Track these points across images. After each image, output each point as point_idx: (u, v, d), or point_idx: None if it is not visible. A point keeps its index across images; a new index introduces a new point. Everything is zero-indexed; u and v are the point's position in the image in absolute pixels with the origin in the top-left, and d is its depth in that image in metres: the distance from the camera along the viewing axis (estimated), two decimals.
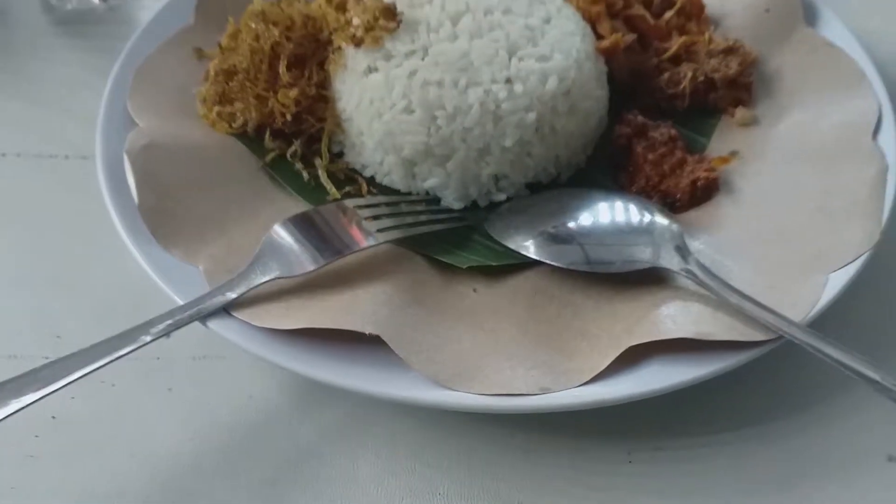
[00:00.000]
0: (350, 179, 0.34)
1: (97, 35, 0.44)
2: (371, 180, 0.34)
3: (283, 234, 0.29)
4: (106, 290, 0.32)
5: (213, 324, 0.27)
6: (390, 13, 0.33)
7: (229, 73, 0.35)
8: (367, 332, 0.26)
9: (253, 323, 0.27)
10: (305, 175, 0.34)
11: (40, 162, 0.37)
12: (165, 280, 0.28)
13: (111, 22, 0.45)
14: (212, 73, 0.36)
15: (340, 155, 0.35)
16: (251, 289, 0.28)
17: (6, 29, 0.44)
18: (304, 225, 0.30)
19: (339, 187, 0.34)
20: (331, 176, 0.34)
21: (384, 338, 0.26)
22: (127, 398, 0.29)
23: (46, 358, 0.27)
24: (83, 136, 0.37)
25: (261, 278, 0.28)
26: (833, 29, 0.39)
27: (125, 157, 0.31)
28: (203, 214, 0.31)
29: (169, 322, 0.26)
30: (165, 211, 0.30)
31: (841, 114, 0.34)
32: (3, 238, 0.35)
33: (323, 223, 0.30)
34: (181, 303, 0.27)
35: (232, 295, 0.27)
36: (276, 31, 0.34)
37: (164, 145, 0.32)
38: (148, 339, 0.26)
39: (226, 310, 0.27)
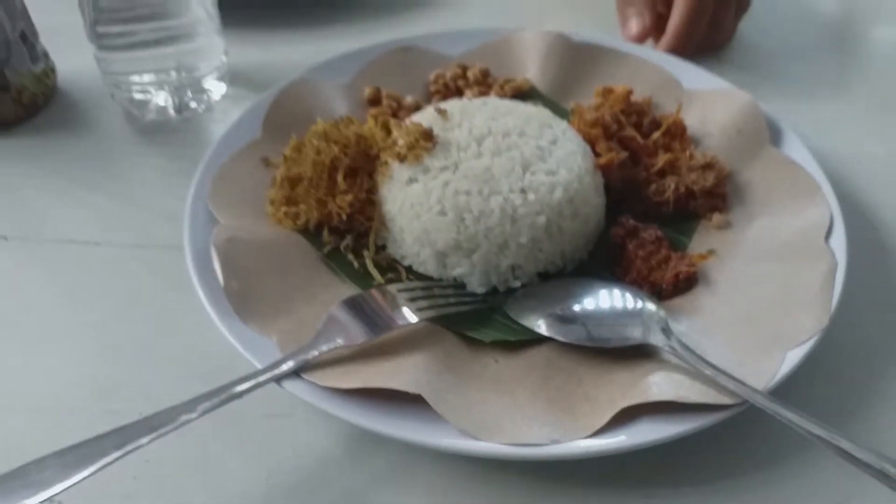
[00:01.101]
0: (392, 268, 0.41)
1: (174, 143, 0.51)
2: (409, 269, 0.41)
3: (340, 313, 0.36)
4: (191, 356, 0.37)
5: (287, 384, 0.33)
6: (428, 135, 0.41)
7: (294, 180, 0.42)
8: (410, 392, 0.32)
9: (319, 383, 0.33)
10: (356, 264, 0.40)
11: (133, 251, 0.43)
12: (246, 349, 0.34)
13: (185, 131, 0.52)
14: (278, 179, 0.43)
15: (384, 248, 0.42)
16: (316, 356, 0.34)
17: (97, 137, 0.52)
18: (356, 305, 0.36)
19: (382, 274, 0.40)
20: (376, 265, 0.40)
21: (425, 396, 0.32)
22: (208, 447, 0.34)
23: (140, 413, 0.32)
24: (168, 230, 0.43)
25: (324, 347, 0.34)
26: (794, 148, 0.45)
27: (212, 249, 0.38)
28: (275, 296, 0.37)
29: (251, 383, 0.32)
30: (245, 293, 0.37)
31: (799, 220, 0.41)
32: (103, 312, 0.40)
33: (371, 304, 0.37)
34: (260, 367, 0.34)
35: (299, 360, 0.34)
36: (335, 149, 0.41)
37: (242, 239, 0.39)
38: (233, 396, 0.32)
39: (296, 373, 0.33)
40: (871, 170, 0.49)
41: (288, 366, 0.33)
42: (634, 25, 0.57)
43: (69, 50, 0.54)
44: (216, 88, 0.53)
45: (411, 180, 0.40)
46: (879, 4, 0.67)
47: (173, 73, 0.51)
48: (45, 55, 0.54)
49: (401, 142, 0.41)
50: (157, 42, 0.49)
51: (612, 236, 0.40)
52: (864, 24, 0.64)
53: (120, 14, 0.47)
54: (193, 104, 0.53)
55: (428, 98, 0.52)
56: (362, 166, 0.42)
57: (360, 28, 0.62)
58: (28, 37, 0.52)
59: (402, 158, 0.40)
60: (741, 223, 0.42)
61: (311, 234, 0.41)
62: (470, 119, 0.42)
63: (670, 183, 0.42)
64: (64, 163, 0.50)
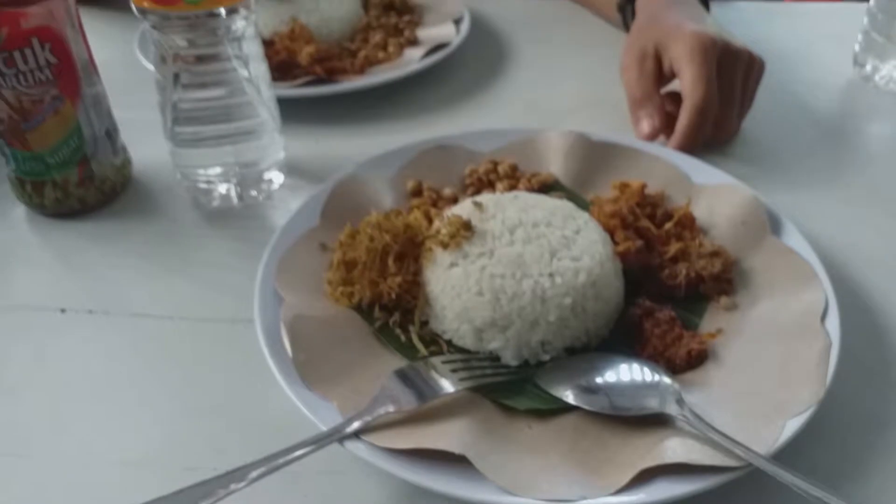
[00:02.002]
0: (434, 341, 0.46)
1: (237, 227, 0.57)
2: (449, 342, 0.45)
3: (392, 382, 0.41)
4: (260, 418, 0.42)
5: (348, 444, 0.38)
6: (467, 226, 0.47)
7: (349, 264, 0.48)
8: (456, 452, 0.37)
9: (375, 444, 0.38)
10: (403, 338, 0.46)
11: (205, 324, 0.49)
12: (311, 412, 0.39)
13: (247, 217, 0.58)
14: (335, 262, 0.49)
15: (426, 323, 0.47)
16: (372, 420, 0.39)
17: (168, 221, 0.58)
18: (406, 376, 0.41)
19: (426, 347, 0.45)
20: (420, 339, 0.45)
21: (468, 456, 0.37)
22: (273, 500, 0.39)
23: (215, 469, 0.37)
24: (236, 306, 0.49)
25: (378, 412, 0.39)
26: (792, 237, 0.50)
27: (282, 325, 0.43)
28: (334, 365, 0.42)
29: (315, 444, 0.38)
30: (309, 363, 0.42)
31: (798, 303, 0.45)
32: (180, 378, 0.45)
33: (419, 374, 0.42)
34: (324, 429, 0.39)
35: (359, 424, 0.38)
36: (387, 237, 0.47)
37: (306, 316, 0.44)
38: (301, 455, 0.37)
39: (356, 434, 0.38)
40: (864, 256, 0.54)
41: (350, 428, 0.38)
42: (646, 126, 0.63)
43: (141, 142, 0.62)
44: (275, 178, 0.60)
45: (452, 265, 0.45)
46: (871, 103, 0.73)
47: (237, 168, 0.58)
48: (124, 149, 0.61)
49: (444, 231, 0.47)
50: (225, 140, 0.56)
51: (631, 316, 0.45)
52: (856, 121, 0.70)
53: (196, 116, 0.54)
54: (254, 193, 0.59)
55: (463, 189, 0.58)
56: (409, 252, 0.47)
57: (402, 125, 0.69)
58: (111, 133, 0.59)
59: (444, 245, 0.46)
60: (746, 305, 0.47)
61: (365, 310, 0.47)
62: (503, 211, 0.48)
63: (682, 269, 0.48)
64: (139, 244, 0.56)
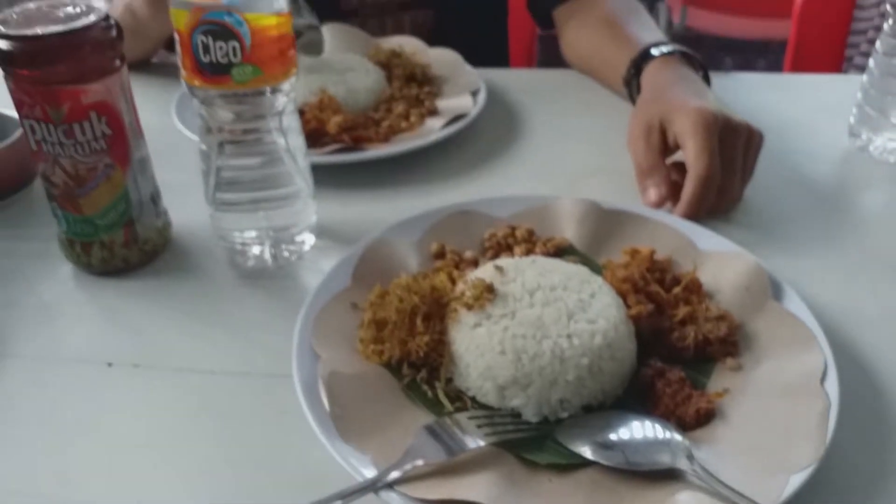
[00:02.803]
0: (458, 398, 0.49)
1: (271, 287, 0.60)
2: (473, 399, 0.49)
3: (422, 436, 0.44)
4: (297, 469, 0.45)
5: (382, 494, 0.41)
6: (490, 289, 0.50)
7: (380, 323, 0.51)
8: (484, 503, 0.40)
9: (408, 494, 0.41)
10: (429, 394, 0.49)
11: (244, 378, 0.52)
12: (348, 464, 0.42)
13: (281, 277, 0.62)
14: (366, 321, 0.52)
15: (451, 380, 0.50)
16: (404, 472, 0.42)
17: (206, 279, 0.62)
18: (434, 431, 0.45)
19: (451, 403, 0.48)
20: (446, 395, 0.49)
21: None
22: None
23: None
24: (274, 361, 0.52)
25: (410, 465, 0.42)
26: (793, 302, 0.53)
27: (320, 382, 0.47)
28: (369, 419, 0.45)
29: (352, 494, 0.40)
30: (345, 417, 0.45)
31: (799, 365, 0.49)
32: (222, 430, 0.48)
33: (446, 430, 0.45)
34: (360, 479, 0.41)
35: (394, 475, 0.41)
36: (415, 298, 0.51)
37: (341, 373, 0.48)
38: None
39: (389, 485, 0.41)
40: (861, 318, 0.57)
41: (386, 479, 0.41)
42: (653, 194, 0.68)
43: (179, 204, 0.66)
44: (307, 240, 0.64)
45: (477, 325, 0.49)
46: (866, 172, 0.77)
47: (271, 231, 0.62)
48: (165, 212, 0.65)
49: (468, 293, 0.50)
50: (262, 206, 0.60)
51: (643, 376, 0.49)
52: (852, 189, 0.74)
53: (237, 184, 0.59)
54: (287, 254, 0.63)
55: (483, 252, 0.62)
56: (436, 312, 0.51)
57: (424, 191, 0.73)
58: (155, 198, 0.63)
59: (469, 307, 0.50)
60: (750, 366, 0.50)
61: (394, 367, 0.50)
62: (522, 275, 0.52)
63: (690, 332, 0.51)
64: (180, 301, 0.60)
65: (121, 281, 0.61)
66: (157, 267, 0.63)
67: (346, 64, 0.83)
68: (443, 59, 0.92)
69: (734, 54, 2.56)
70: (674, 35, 2.25)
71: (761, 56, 2.57)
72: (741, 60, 2.57)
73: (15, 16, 0.53)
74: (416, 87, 0.86)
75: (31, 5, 0.54)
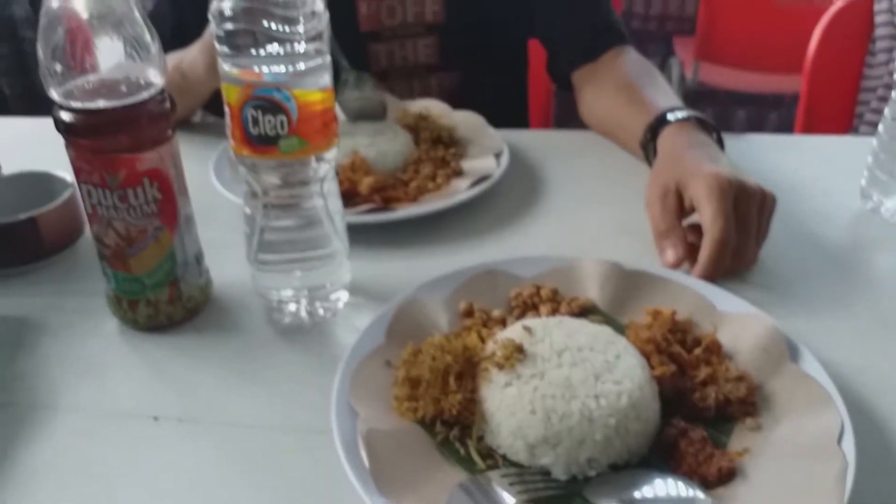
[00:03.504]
0: (490, 455, 0.51)
1: (308, 343, 0.63)
2: (504, 457, 0.51)
3: (457, 494, 0.46)
4: None
5: None
6: (520, 349, 0.53)
7: (414, 381, 0.54)
8: None
9: None
10: (462, 451, 0.51)
11: (284, 433, 0.54)
12: None
13: (317, 333, 0.65)
14: (400, 379, 0.55)
15: (482, 438, 0.53)
16: None
17: (245, 335, 0.65)
18: (468, 488, 0.47)
19: (483, 460, 0.50)
20: (478, 452, 0.51)
21: None
22: None
23: None
24: (313, 417, 0.55)
25: None
26: (809, 363, 0.56)
27: (359, 438, 0.49)
28: (406, 476, 0.48)
29: None
30: (384, 473, 0.47)
31: (816, 426, 0.51)
32: (264, 483, 0.50)
33: (479, 487, 0.47)
34: None
35: None
36: (448, 358, 0.53)
37: (379, 430, 0.50)
38: None
39: None
40: (876, 379, 0.59)
41: None
42: (671, 255, 0.70)
43: (218, 261, 0.69)
44: (341, 298, 0.67)
45: (507, 384, 0.52)
46: (878, 234, 0.80)
47: (307, 290, 0.65)
48: (207, 270, 0.68)
49: (499, 353, 0.53)
50: (300, 266, 0.63)
51: (667, 435, 0.51)
52: (865, 251, 0.77)
53: (279, 246, 0.62)
54: (322, 311, 0.66)
55: (510, 311, 0.64)
56: (468, 371, 0.54)
57: (451, 249, 0.76)
58: (199, 257, 0.67)
59: (500, 367, 0.52)
60: (769, 426, 0.52)
61: (427, 424, 0.53)
62: (550, 335, 0.54)
63: (711, 392, 0.53)
64: (221, 357, 0.63)
65: (165, 337, 0.64)
66: (199, 323, 0.66)
67: (376, 127, 0.87)
68: (467, 121, 0.96)
69: (747, 107, 2.60)
70: (686, 90, 2.30)
71: (774, 109, 2.62)
72: (754, 114, 2.62)
73: (77, 90, 0.57)
74: (443, 148, 0.90)
75: (93, 78, 0.58)
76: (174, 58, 0.90)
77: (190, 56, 0.88)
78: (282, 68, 0.54)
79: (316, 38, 0.54)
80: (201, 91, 0.92)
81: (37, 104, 1.80)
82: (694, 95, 2.43)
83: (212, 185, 0.82)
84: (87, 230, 0.76)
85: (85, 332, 0.66)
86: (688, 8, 2.52)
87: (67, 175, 0.78)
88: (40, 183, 0.79)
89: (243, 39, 0.53)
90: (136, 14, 0.56)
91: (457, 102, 1.00)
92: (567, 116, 1.64)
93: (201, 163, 0.85)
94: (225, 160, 0.87)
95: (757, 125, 2.66)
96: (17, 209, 0.72)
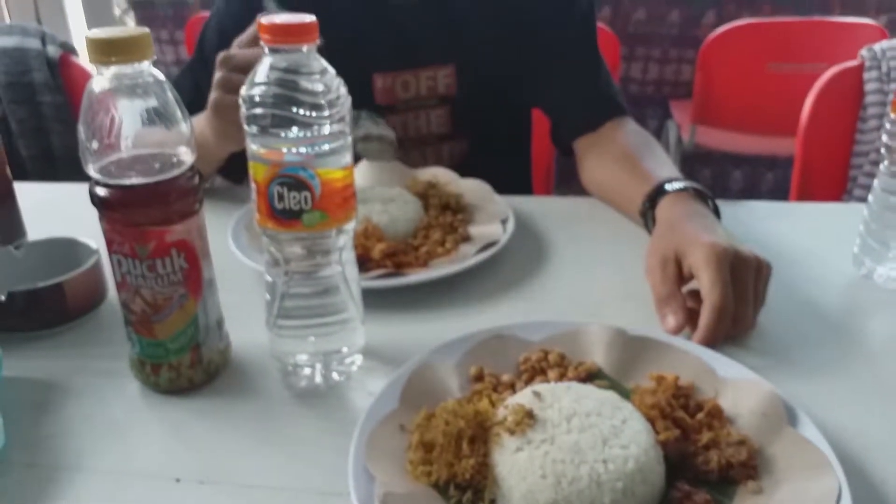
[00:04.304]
0: None
1: (323, 406, 0.65)
2: None
3: None
4: None
5: None
6: (530, 415, 0.55)
7: (427, 445, 0.56)
8: None
9: None
10: None
11: (305, 495, 0.56)
12: None
13: (331, 397, 0.67)
14: (414, 443, 0.57)
15: (494, 502, 0.54)
16: None
17: (263, 398, 0.67)
18: None
19: None
20: None
21: None
22: None
23: None
24: (330, 479, 0.57)
25: None
26: (807, 428, 0.58)
27: (375, 502, 0.51)
28: None
29: None
30: None
31: (815, 489, 0.52)
32: None
33: None
34: None
35: None
36: (461, 422, 0.56)
37: (394, 493, 0.52)
38: None
39: None
40: (874, 443, 0.61)
41: None
42: (671, 321, 0.73)
43: (236, 325, 0.72)
44: (356, 362, 0.69)
45: (518, 449, 0.54)
46: (872, 300, 0.83)
47: (322, 354, 0.67)
48: (227, 335, 0.71)
49: (510, 419, 0.55)
50: (314, 332, 0.66)
51: (671, 499, 0.53)
52: (859, 316, 0.80)
53: (298, 312, 0.65)
54: (336, 375, 0.68)
55: (519, 375, 0.67)
56: (480, 436, 0.56)
57: (460, 313, 0.79)
58: (220, 322, 0.69)
59: (511, 432, 0.55)
60: (769, 489, 0.54)
61: (441, 488, 0.55)
62: (559, 401, 0.57)
63: (713, 456, 0.56)
64: (240, 419, 0.65)
65: (185, 400, 0.67)
66: (219, 386, 0.69)
67: (387, 195, 0.91)
68: (473, 188, 1.00)
69: (743, 167, 2.67)
70: (684, 151, 2.36)
71: (769, 170, 2.68)
72: (750, 174, 2.68)
73: (113, 167, 0.61)
74: (451, 215, 0.94)
75: (127, 156, 0.62)
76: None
77: (199, 127, 0.92)
78: (307, 149, 0.58)
79: (339, 120, 0.58)
80: (214, 158, 0.97)
81: (53, 166, 1.85)
82: (691, 157, 2.49)
83: (228, 250, 0.85)
84: (110, 295, 0.80)
85: (108, 395, 0.68)
86: (684, 73, 2.60)
87: (91, 241, 0.81)
88: (65, 248, 0.83)
89: (272, 122, 0.57)
90: (170, 97, 0.60)
91: (465, 168, 1.05)
92: (567, 177, 1.69)
93: (218, 228, 0.89)
94: (242, 227, 0.90)
95: (753, 185, 2.71)
96: (42, 274, 0.76)
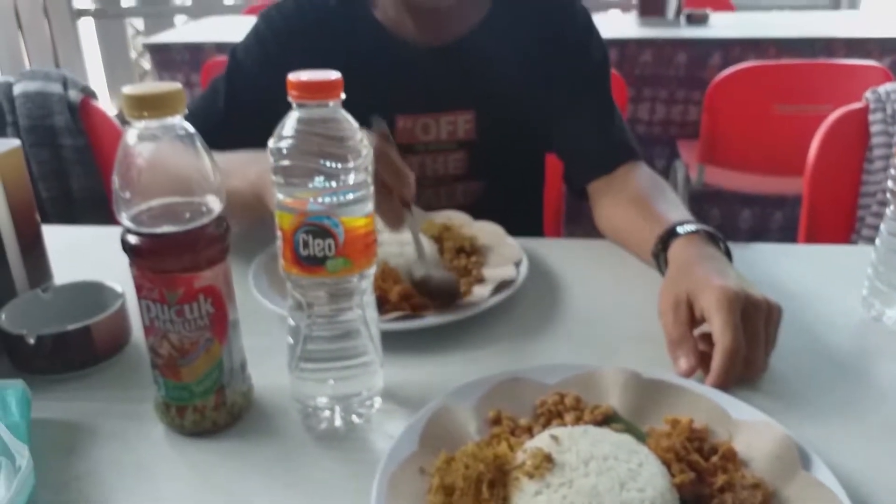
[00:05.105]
0: None
1: (343, 448, 0.66)
2: None
3: None
4: None
5: None
6: (549, 458, 0.57)
7: (447, 489, 0.57)
8: None
9: None
10: None
11: None
12: None
13: (351, 439, 0.68)
14: (434, 486, 0.58)
15: None
16: None
17: (284, 440, 0.68)
18: None
19: None
20: None
21: None
22: None
23: None
24: None
25: None
26: (820, 471, 0.58)
27: None
28: None
29: None
30: None
31: None
32: None
33: None
34: None
35: None
36: (481, 466, 0.57)
37: None
38: None
39: None
40: (885, 486, 0.62)
41: None
42: (683, 364, 0.75)
43: (257, 367, 0.74)
44: (375, 405, 0.71)
45: (537, 493, 0.55)
46: (882, 342, 0.84)
47: (341, 398, 0.69)
48: (249, 377, 0.73)
49: (528, 462, 0.57)
50: (334, 375, 0.68)
51: None
52: (869, 358, 0.81)
53: (318, 354, 0.67)
54: (355, 418, 0.70)
55: (535, 418, 0.68)
56: (499, 479, 0.57)
57: (476, 355, 0.81)
58: (243, 365, 0.71)
59: (530, 476, 0.56)
60: None
61: None
62: (576, 444, 0.58)
63: (728, 499, 0.56)
64: (262, 460, 0.66)
65: (209, 442, 0.68)
66: (242, 428, 0.70)
67: (403, 238, 0.93)
68: (486, 230, 1.02)
69: (752, 207, 2.69)
70: (692, 191, 2.39)
71: (778, 209, 2.70)
72: (759, 213, 2.70)
73: (144, 216, 0.63)
74: (465, 257, 0.96)
75: (156, 204, 0.64)
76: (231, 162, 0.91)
77: (237, 181, 0.89)
78: (332, 198, 0.60)
79: (362, 170, 0.61)
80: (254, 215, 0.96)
81: (71, 208, 1.89)
82: (700, 196, 2.51)
83: (248, 292, 0.87)
84: (133, 338, 0.82)
85: (134, 437, 0.69)
86: (691, 113, 2.64)
87: (117, 285, 0.84)
88: (91, 292, 0.85)
89: (299, 173, 0.59)
90: (200, 147, 0.63)
91: (479, 208, 1.07)
92: (576, 216, 1.71)
93: (236, 269, 0.91)
94: (262, 270, 0.92)
95: (763, 224, 2.73)
96: (69, 317, 0.78)
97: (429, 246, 0.93)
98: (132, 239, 0.63)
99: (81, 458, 0.67)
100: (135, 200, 0.63)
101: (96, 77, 4.53)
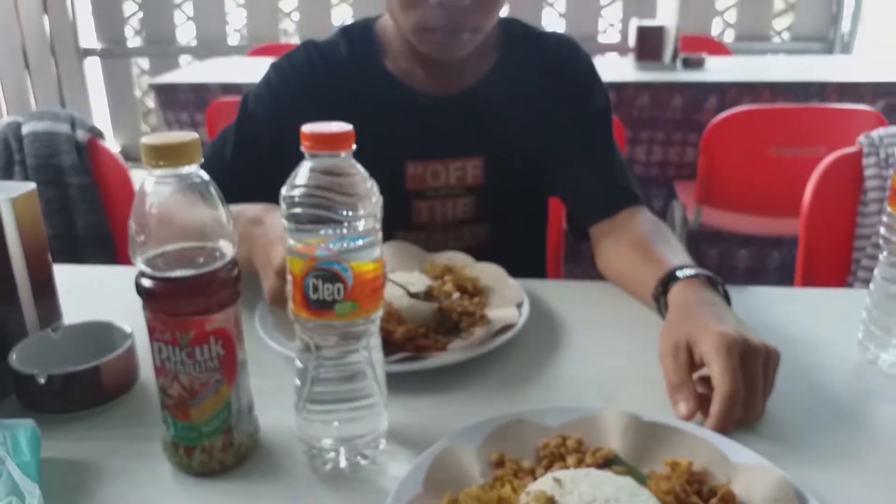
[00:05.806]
0: None
1: (347, 490, 0.67)
2: None
3: None
4: None
5: None
6: (552, 501, 0.58)
7: None
8: None
9: None
10: None
11: None
12: None
13: (356, 481, 0.68)
14: None
15: None
16: None
17: (289, 480, 0.68)
18: None
19: None
20: None
21: None
22: None
23: None
24: None
25: None
26: None
27: None
28: None
29: None
30: None
31: None
32: None
33: None
34: None
35: None
36: None
37: None
38: None
39: None
40: None
41: None
42: (683, 408, 0.76)
43: (263, 408, 0.75)
44: (379, 446, 0.72)
45: None
46: (878, 385, 0.85)
47: (346, 440, 0.70)
48: (256, 418, 0.74)
49: None
50: (340, 417, 0.69)
51: None
52: (866, 402, 0.82)
53: (324, 395, 0.68)
54: (359, 459, 0.71)
55: (538, 461, 0.69)
56: None
57: (479, 397, 0.82)
58: (251, 406, 0.72)
59: None
60: None
61: None
62: (579, 487, 0.59)
63: None
64: (268, 501, 0.67)
65: (216, 482, 0.69)
66: (248, 468, 0.71)
67: (407, 280, 0.95)
68: (488, 272, 1.04)
69: (749, 247, 2.71)
70: (690, 231, 2.42)
71: (775, 249, 2.72)
72: (756, 252, 2.72)
73: (158, 259, 0.65)
74: (468, 298, 0.97)
75: (170, 249, 0.66)
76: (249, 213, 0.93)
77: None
78: (341, 244, 0.62)
79: (371, 217, 0.63)
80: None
81: (75, 246, 1.91)
82: (697, 236, 2.54)
83: (255, 334, 0.89)
84: (141, 377, 0.83)
85: (142, 477, 0.70)
86: (688, 155, 2.68)
87: (125, 325, 0.85)
88: (99, 332, 0.86)
89: (310, 220, 0.62)
90: (214, 194, 0.65)
91: (484, 250, 1.10)
92: (575, 256, 1.74)
93: (243, 313, 0.92)
94: (267, 312, 0.94)
95: (760, 263, 2.75)
96: (78, 356, 0.79)
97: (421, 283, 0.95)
98: (146, 282, 0.65)
99: (90, 496, 0.68)
100: (150, 245, 0.65)
101: (101, 115, 4.59)
